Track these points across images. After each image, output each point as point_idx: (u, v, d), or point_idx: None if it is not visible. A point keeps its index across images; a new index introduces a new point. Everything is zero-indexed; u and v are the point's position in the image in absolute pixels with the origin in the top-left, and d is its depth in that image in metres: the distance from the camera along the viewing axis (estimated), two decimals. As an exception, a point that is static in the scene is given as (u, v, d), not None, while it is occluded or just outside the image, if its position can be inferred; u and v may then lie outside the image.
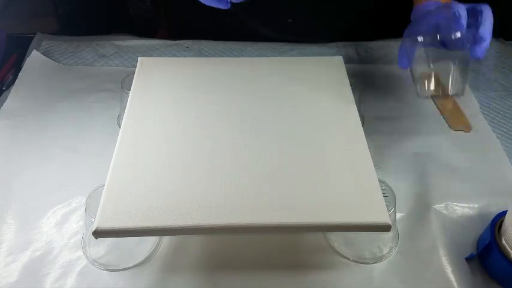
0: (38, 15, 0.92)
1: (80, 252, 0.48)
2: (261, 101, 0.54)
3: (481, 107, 0.68)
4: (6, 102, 0.66)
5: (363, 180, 0.45)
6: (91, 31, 0.82)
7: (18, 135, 0.61)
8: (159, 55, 0.77)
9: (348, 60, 0.61)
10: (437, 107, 0.68)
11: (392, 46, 0.80)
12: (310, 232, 0.50)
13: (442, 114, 0.67)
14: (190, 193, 0.43)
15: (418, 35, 0.53)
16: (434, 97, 0.63)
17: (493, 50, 0.80)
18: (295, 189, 0.44)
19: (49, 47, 0.78)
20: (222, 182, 0.44)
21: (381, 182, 0.45)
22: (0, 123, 0.63)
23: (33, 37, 0.79)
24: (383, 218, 0.41)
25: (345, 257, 0.48)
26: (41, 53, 0.75)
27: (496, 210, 0.50)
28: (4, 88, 0.70)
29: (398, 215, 0.52)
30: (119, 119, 0.64)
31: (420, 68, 0.55)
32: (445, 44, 0.52)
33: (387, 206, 0.42)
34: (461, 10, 0.51)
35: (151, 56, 0.77)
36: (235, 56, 0.78)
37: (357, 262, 0.48)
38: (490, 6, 0.54)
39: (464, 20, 0.51)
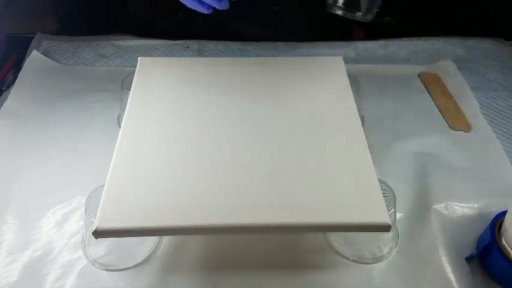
0: (38, 15, 0.92)
1: (80, 252, 0.48)
2: (261, 101, 0.54)
3: (481, 107, 0.68)
4: (6, 102, 0.66)
5: (363, 180, 0.45)
6: (91, 31, 0.83)
7: (18, 135, 0.61)
8: (159, 55, 0.77)
9: (348, 60, 0.61)
10: (437, 107, 0.68)
11: (392, 46, 0.81)
12: (310, 232, 0.50)
13: (442, 114, 0.67)
14: (190, 193, 0.43)
15: None
16: (344, 14, 0.61)
17: (493, 50, 0.80)
18: (295, 189, 0.44)
19: (49, 47, 0.78)
20: (222, 182, 0.44)
21: (380, 182, 0.45)
22: (0, 123, 0.63)
23: (33, 37, 0.79)
24: (383, 218, 0.41)
25: (345, 257, 0.48)
26: (41, 53, 0.75)
27: (496, 210, 0.50)
28: (4, 88, 0.70)
29: (398, 215, 0.52)
30: (119, 119, 0.64)
31: None
32: None
33: (387, 206, 0.42)
34: None
35: (151, 56, 0.77)
36: (235, 56, 0.78)
37: (357, 262, 0.48)
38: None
39: None
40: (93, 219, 0.41)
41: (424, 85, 0.72)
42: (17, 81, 0.69)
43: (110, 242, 0.49)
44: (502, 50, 0.81)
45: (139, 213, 0.41)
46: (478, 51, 0.81)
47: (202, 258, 0.48)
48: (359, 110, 0.53)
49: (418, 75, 0.75)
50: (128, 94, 0.55)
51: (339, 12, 0.60)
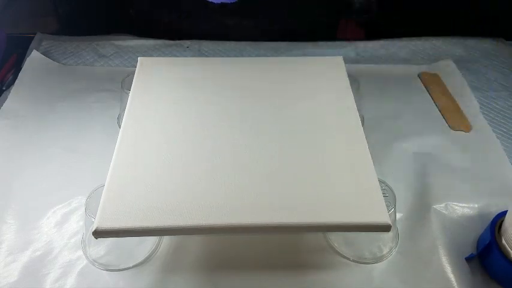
0: (38, 15, 0.92)
1: (80, 252, 0.48)
2: (261, 101, 0.54)
3: (481, 107, 0.68)
4: (6, 102, 0.66)
5: (363, 180, 0.45)
6: (91, 31, 0.83)
7: (18, 135, 0.61)
8: (159, 55, 0.77)
9: (348, 60, 0.61)
10: (437, 107, 0.68)
11: (392, 46, 0.81)
12: (310, 232, 0.50)
13: (442, 114, 0.67)
14: (190, 193, 0.43)
15: None
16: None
17: (493, 50, 0.80)
18: (295, 189, 0.44)
19: (49, 47, 0.78)
20: (222, 182, 0.44)
21: (380, 182, 0.45)
22: (0, 123, 0.63)
23: (33, 37, 0.79)
24: (383, 218, 0.41)
25: (345, 257, 0.48)
26: (41, 53, 0.75)
27: (496, 210, 0.50)
28: (4, 88, 0.70)
29: (398, 215, 0.52)
30: (119, 119, 0.64)
31: None
32: None
33: (387, 206, 0.42)
34: None
35: (151, 56, 0.77)
36: (235, 56, 0.78)
37: (357, 262, 0.48)
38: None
39: None
40: (93, 219, 0.41)
41: (424, 85, 0.73)
42: (17, 81, 0.69)
43: (110, 242, 0.49)
44: (502, 50, 0.81)
45: (139, 213, 0.41)
46: (478, 51, 0.81)
47: (202, 258, 0.48)
48: (359, 110, 0.53)
49: (418, 75, 0.75)
50: (127, 94, 0.55)
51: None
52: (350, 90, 0.56)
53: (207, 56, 0.77)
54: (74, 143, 0.60)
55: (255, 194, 0.43)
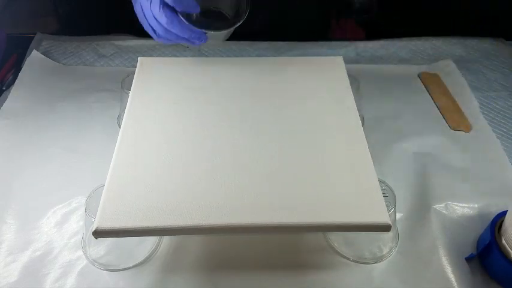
0: (38, 15, 0.92)
1: (80, 252, 0.48)
2: (261, 101, 0.54)
3: (481, 107, 0.68)
4: (6, 102, 0.66)
5: (363, 180, 0.45)
6: (91, 31, 0.83)
7: (18, 135, 0.61)
8: (159, 55, 0.77)
9: (348, 60, 0.61)
10: (437, 107, 0.68)
11: (392, 46, 0.81)
12: (310, 232, 0.50)
13: (442, 114, 0.67)
14: (190, 193, 0.43)
15: None
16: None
17: (493, 50, 0.80)
18: (295, 189, 0.44)
19: (49, 47, 0.78)
20: (222, 182, 0.44)
21: (380, 182, 0.45)
22: (0, 123, 0.63)
23: (33, 37, 0.79)
24: (383, 218, 0.41)
25: (345, 257, 0.48)
26: (41, 53, 0.75)
27: (496, 210, 0.50)
28: (4, 88, 0.70)
29: (398, 215, 0.52)
30: (119, 119, 0.64)
31: None
32: None
33: (387, 206, 0.42)
34: None
35: (151, 56, 0.77)
36: (235, 56, 0.78)
37: (357, 262, 0.48)
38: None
39: None
40: (93, 219, 0.41)
41: (424, 85, 0.72)
42: (17, 81, 0.69)
43: (110, 242, 0.49)
44: (502, 50, 0.81)
45: (139, 213, 0.41)
46: (478, 51, 0.81)
47: (202, 258, 0.48)
48: (359, 110, 0.53)
49: (418, 75, 0.75)
50: (127, 94, 0.55)
51: None
52: (350, 90, 0.56)
53: (207, 56, 0.77)
54: (74, 143, 0.60)
55: (255, 194, 0.43)
